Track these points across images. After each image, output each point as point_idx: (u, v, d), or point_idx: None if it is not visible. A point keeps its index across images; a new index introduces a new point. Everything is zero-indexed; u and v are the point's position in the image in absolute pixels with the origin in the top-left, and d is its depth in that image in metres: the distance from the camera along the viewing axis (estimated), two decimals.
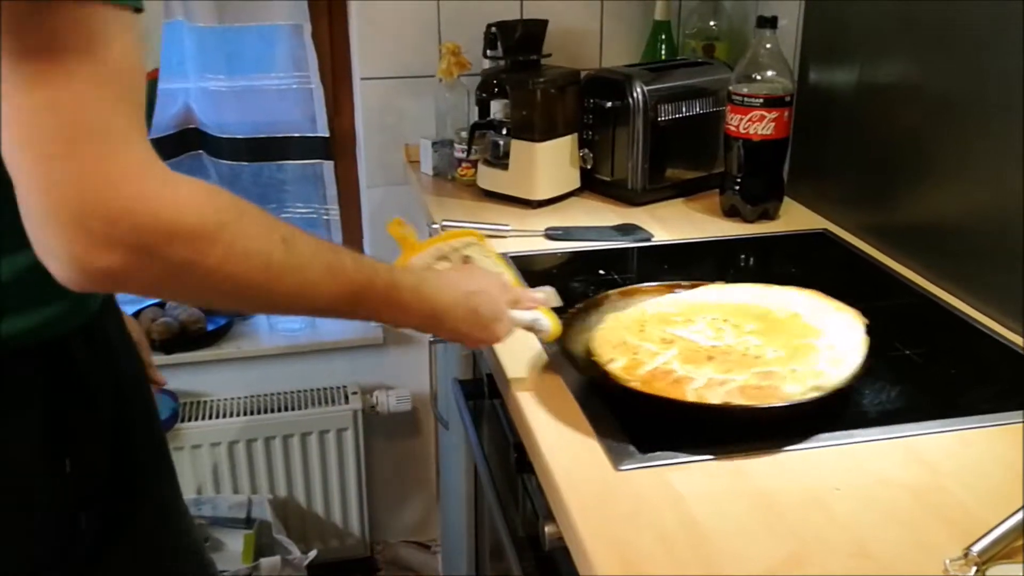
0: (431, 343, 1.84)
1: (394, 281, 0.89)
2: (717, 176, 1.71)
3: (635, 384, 0.97)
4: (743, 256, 1.56)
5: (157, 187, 0.65)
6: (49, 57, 0.61)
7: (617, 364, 1.01)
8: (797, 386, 0.95)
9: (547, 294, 1.12)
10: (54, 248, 0.64)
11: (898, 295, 1.37)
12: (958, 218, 1.34)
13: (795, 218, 1.66)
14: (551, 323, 1.07)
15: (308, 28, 1.97)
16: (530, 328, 1.06)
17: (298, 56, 2.01)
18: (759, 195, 1.62)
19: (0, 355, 0.84)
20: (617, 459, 0.92)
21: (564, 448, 0.96)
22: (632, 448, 0.94)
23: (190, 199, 0.67)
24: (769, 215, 1.64)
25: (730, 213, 1.65)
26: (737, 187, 1.62)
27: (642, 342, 1.05)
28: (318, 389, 2.19)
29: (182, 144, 2.07)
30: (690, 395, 0.95)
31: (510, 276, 1.12)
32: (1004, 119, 1.22)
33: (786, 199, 1.67)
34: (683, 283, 1.22)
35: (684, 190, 1.78)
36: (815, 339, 1.04)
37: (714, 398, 0.94)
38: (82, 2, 0.62)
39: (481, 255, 1.13)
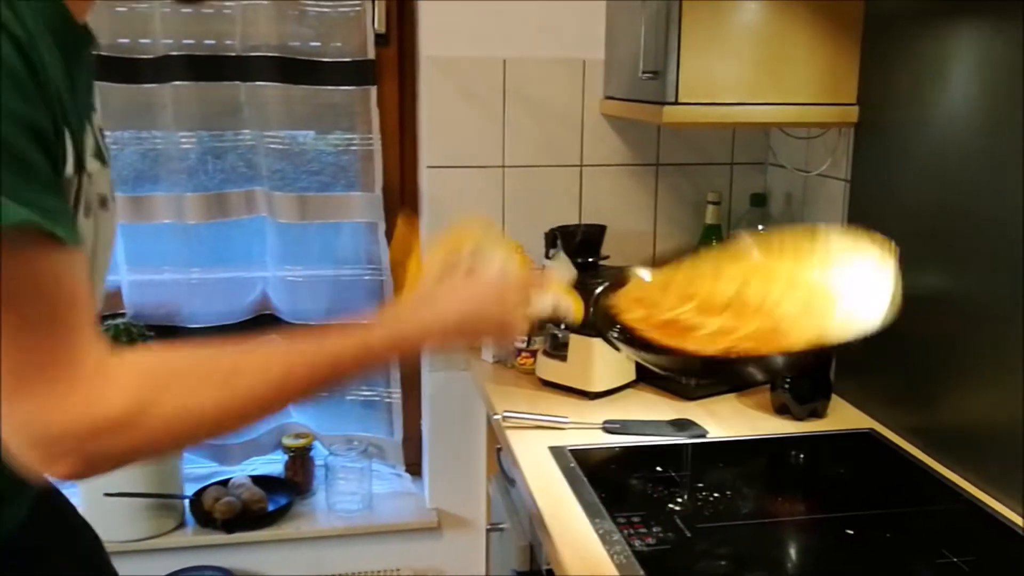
0: (488, 531, 1.88)
1: (365, 344, 0.91)
2: None
3: (646, 332, 0.98)
4: (793, 454, 1.61)
5: (90, 394, 0.74)
6: None
7: (634, 315, 1.02)
8: (801, 339, 0.95)
9: (559, 267, 1.12)
10: (24, 463, 0.75)
11: (944, 500, 1.40)
12: (999, 424, 1.39)
13: (843, 417, 1.71)
14: (573, 305, 1.08)
15: (382, 226, 2.13)
16: (554, 316, 1.07)
17: (371, 250, 2.16)
18: (808, 395, 1.69)
19: None
20: None
21: None
22: None
23: (116, 387, 0.75)
24: (818, 413, 1.70)
25: (781, 411, 1.71)
26: (787, 386, 1.69)
27: (664, 296, 1.04)
28: (373, 572, 2.22)
29: (257, 329, 2.20)
30: (691, 343, 0.95)
31: (520, 260, 1.12)
32: None
33: (834, 397, 1.73)
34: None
35: (736, 385, 1.85)
36: (834, 295, 1.03)
37: (714, 347, 0.95)
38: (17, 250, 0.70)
39: (489, 247, 1.10)
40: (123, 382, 0.77)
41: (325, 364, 0.89)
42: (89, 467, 0.76)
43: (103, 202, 0.90)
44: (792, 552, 1.32)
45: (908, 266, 1.59)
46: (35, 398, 0.73)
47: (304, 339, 0.89)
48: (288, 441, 2.25)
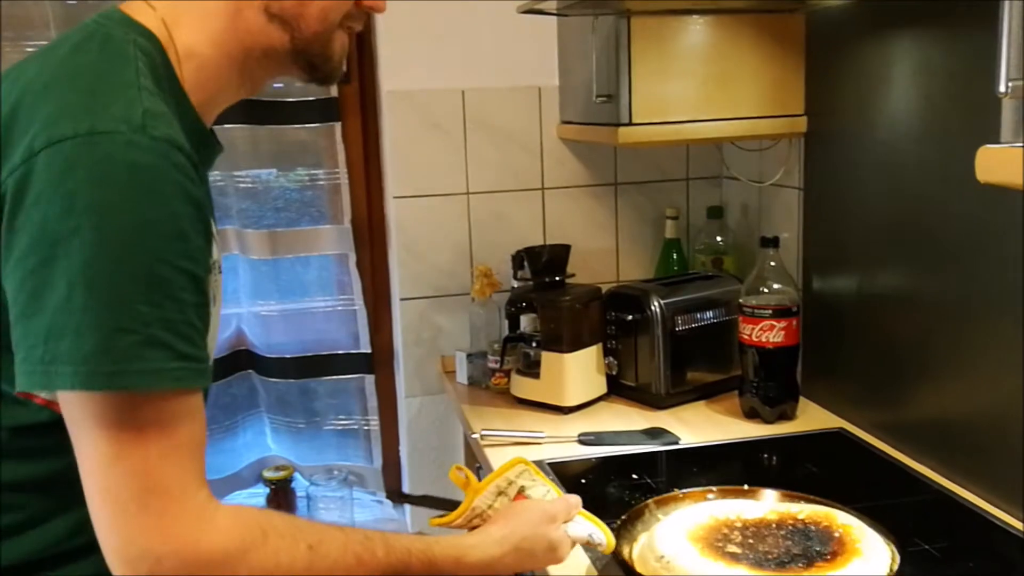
0: None
1: (431, 560, 0.99)
2: (735, 378, 1.84)
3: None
4: (766, 456, 1.66)
5: (198, 526, 0.82)
6: (132, 434, 0.80)
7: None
8: None
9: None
10: (118, 571, 0.82)
11: (915, 491, 1.46)
12: (962, 416, 1.45)
13: (812, 418, 1.77)
14: (605, 536, 1.17)
15: (353, 257, 2.17)
16: (587, 542, 1.17)
17: (342, 281, 2.20)
18: (776, 397, 1.74)
19: None
20: None
21: None
22: None
23: (223, 528, 0.83)
24: (787, 415, 1.76)
25: (750, 415, 1.77)
26: (755, 390, 1.75)
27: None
28: None
29: (233, 365, 2.22)
30: None
31: (556, 491, 1.22)
32: (992, 325, 1.35)
33: (802, 399, 1.79)
34: (712, 488, 1.33)
35: (705, 392, 1.91)
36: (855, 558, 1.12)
37: None
38: (162, 394, 0.81)
39: (531, 481, 1.21)
40: (227, 524, 0.84)
41: (395, 563, 0.95)
42: None
43: (217, 267, 0.98)
44: None
45: (866, 268, 1.67)
46: (142, 522, 0.80)
47: (380, 535, 0.96)
48: (269, 474, 2.27)
